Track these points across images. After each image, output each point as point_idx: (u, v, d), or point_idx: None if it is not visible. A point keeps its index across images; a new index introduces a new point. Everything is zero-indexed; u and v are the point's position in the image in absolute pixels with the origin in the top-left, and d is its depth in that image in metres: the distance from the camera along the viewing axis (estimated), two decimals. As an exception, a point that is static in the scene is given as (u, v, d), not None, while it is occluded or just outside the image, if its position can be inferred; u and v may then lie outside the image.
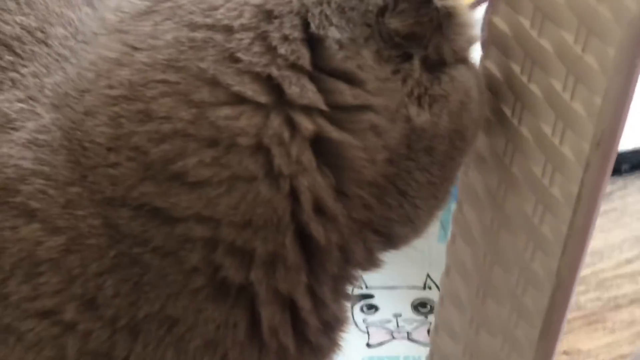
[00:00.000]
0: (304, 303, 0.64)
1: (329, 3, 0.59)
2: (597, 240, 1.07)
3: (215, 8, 0.60)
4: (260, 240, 0.60)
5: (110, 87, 0.61)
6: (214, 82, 0.59)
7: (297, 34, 0.59)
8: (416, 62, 0.61)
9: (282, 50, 0.59)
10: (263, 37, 0.59)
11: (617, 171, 1.14)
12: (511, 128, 0.67)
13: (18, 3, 0.68)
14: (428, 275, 1.06)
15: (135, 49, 0.61)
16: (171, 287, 0.61)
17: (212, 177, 0.59)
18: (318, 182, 0.60)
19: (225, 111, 0.59)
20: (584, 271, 1.03)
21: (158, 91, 0.59)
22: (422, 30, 0.60)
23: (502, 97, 0.68)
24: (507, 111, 0.67)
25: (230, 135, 0.59)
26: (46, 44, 0.67)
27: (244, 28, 0.59)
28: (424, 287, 1.05)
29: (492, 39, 0.67)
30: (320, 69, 0.59)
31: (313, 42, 0.59)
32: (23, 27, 0.67)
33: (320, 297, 0.64)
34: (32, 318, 0.61)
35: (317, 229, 0.61)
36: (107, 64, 0.62)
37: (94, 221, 0.61)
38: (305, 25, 0.59)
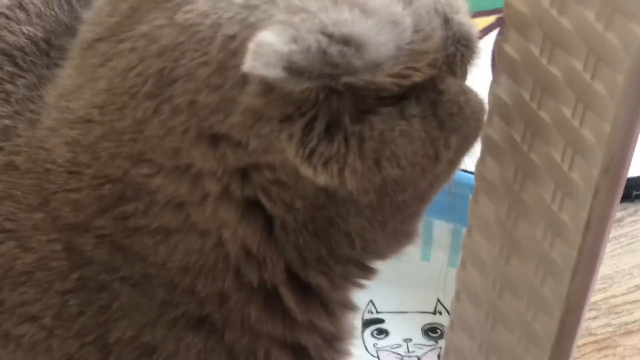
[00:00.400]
0: (274, 330, 0.65)
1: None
2: (607, 266, 1.06)
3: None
4: (202, 284, 0.63)
5: (68, 109, 0.63)
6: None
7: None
8: (298, 124, 0.57)
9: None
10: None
11: (627, 197, 1.14)
12: (521, 154, 0.67)
13: (28, 14, 0.69)
14: (438, 300, 1.06)
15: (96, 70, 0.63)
16: (146, 317, 0.64)
17: (146, 225, 0.62)
18: (240, 232, 0.61)
19: (144, 170, 0.61)
20: (595, 297, 1.03)
21: (98, 134, 0.62)
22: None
23: (512, 123, 0.68)
24: (517, 137, 0.68)
25: (149, 192, 0.61)
26: (48, 55, 0.68)
27: (148, 97, 0.60)
28: (435, 312, 1.05)
29: (502, 66, 0.68)
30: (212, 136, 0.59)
31: None
32: (28, 38, 0.68)
33: (298, 320, 0.66)
34: (25, 323, 0.64)
35: (249, 272, 0.63)
36: (69, 81, 0.64)
37: (55, 246, 0.63)
38: None
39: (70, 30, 0.67)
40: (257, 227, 0.62)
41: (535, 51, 0.64)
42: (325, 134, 0.57)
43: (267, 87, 0.56)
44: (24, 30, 0.68)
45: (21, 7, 0.69)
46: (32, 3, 0.69)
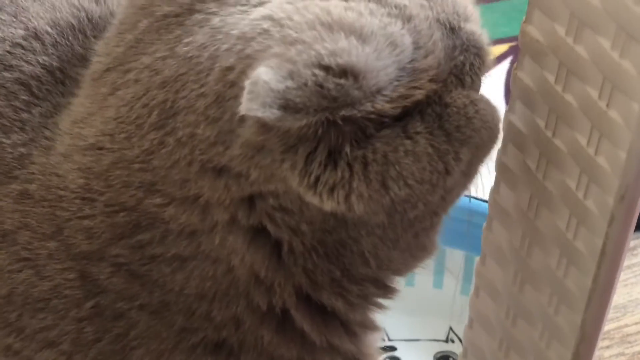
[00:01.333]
0: (289, 353, 0.66)
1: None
2: (620, 295, 1.06)
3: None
4: (217, 310, 0.63)
5: (80, 136, 0.64)
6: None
7: None
8: (300, 153, 0.57)
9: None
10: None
11: (640, 226, 1.14)
12: (536, 182, 0.67)
13: (44, 44, 0.69)
14: (451, 328, 1.05)
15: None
16: (164, 344, 0.64)
17: (162, 254, 0.62)
18: (248, 259, 0.62)
19: (157, 200, 0.61)
20: (608, 326, 1.03)
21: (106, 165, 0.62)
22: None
23: (526, 151, 0.68)
24: (532, 165, 0.67)
25: (163, 221, 0.61)
26: (63, 84, 0.68)
27: (153, 128, 0.61)
28: (447, 340, 1.05)
29: (517, 94, 0.68)
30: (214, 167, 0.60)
31: None
32: (44, 67, 0.69)
33: (316, 342, 0.66)
34: (45, 349, 0.65)
35: (258, 297, 0.63)
36: (81, 109, 0.65)
37: (69, 275, 0.64)
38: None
39: (84, 60, 0.68)
40: (264, 253, 0.62)
41: (551, 79, 0.64)
42: (328, 160, 0.57)
43: (265, 126, 0.56)
44: (40, 60, 0.69)
45: (37, 37, 0.69)
46: (48, 33, 0.70)
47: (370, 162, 0.58)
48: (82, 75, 0.67)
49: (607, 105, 0.59)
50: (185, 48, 0.59)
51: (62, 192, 0.64)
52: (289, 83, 0.53)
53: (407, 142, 0.58)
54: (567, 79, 0.63)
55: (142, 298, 0.63)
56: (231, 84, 0.57)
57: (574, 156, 0.63)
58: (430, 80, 0.59)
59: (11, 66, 0.68)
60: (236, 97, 0.56)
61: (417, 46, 0.58)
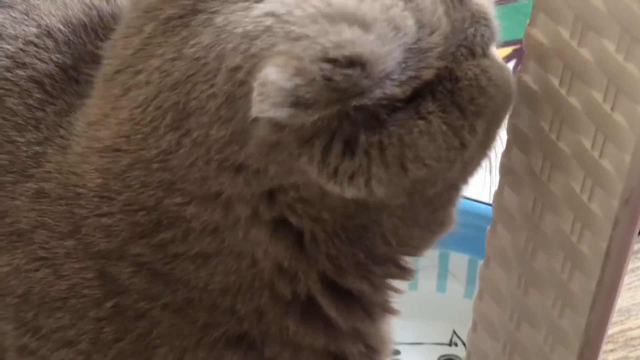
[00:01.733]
0: (316, 342, 0.66)
1: None
2: (624, 299, 1.06)
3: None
4: (241, 303, 0.63)
5: (96, 138, 0.64)
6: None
7: None
8: (317, 146, 0.57)
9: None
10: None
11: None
12: (540, 185, 0.67)
13: (56, 42, 0.69)
14: (454, 332, 1.05)
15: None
16: (187, 340, 0.64)
17: (186, 252, 0.62)
18: (272, 251, 0.62)
19: (177, 199, 0.61)
20: (611, 329, 1.03)
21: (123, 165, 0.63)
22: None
23: (530, 154, 0.68)
24: (536, 168, 0.67)
25: (184, 219, 0.61)
26: (77, 82, 0.68)
27: (169, 129, 0.61)
28: (450, 344, 1.05)
29: (521, 97, 0.68)
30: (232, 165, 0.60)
31: None
32: (57, 65, 0.69)
33: (342, 328, 0.66)
34: (62, 349, 0.65)
35: (282, 287, 0.63)
36: (96, 110, 0.65)
37: (87, 274, 0.64)
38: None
39: (96, 59, 0.68)
40: (287, 244, 0.62)
41: (555, 82, 0.64)
42: (345, 149, 0.58)
43: (278, 125, 0.56)
44: (53, 57, 0.69)
45: (49, 35, 0.69)
46: (60, 31, 0.69)
47: (386, 147, 0.58)
48: (94, 74, 0.67)
49: (612, 109, 0.59)
50: (192, 49, 0.59)
51: (80, 190, 0.64)
52: (298, 80, 0.53)
53: (421, 122, 0.59)
54: (572, 82, 0.63)
55: (166, 297, 0.63)
56: (240, 83, 0.57)
57: (578, 159, 0.63)
58: (438, 58, 0.59)
59: (24, 64, 0.68)
60: (246, 96, 0.56)
61: (420, 25, 0.58)
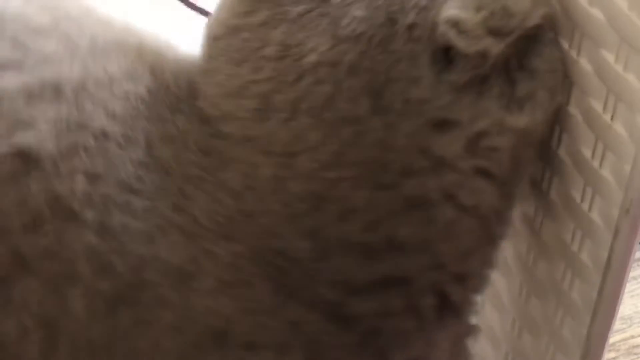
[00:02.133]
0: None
1: None
2: (626, 307, 1.06)
3: None
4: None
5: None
6: None
7: None
8: (491, 80, 0.60)
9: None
10: None
11: (646, 237, 1.14)
12: (540, 194, 0.68)
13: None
14: (457, 340, 1.05)
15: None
16: None
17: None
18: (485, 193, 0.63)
19: (413, 182, 0.61)
20: (614, 337, 1.03)
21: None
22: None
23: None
24: (536, 177, 0.68)
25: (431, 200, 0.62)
26: None
27: (373, 113, 0.60)
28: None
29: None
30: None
31: None
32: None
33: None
34: None
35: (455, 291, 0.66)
36: None
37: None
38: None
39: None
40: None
41: (555, 92, 0.64)
42: (510, 82, 0.61)
43: (477, 57, 0.59)
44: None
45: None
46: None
47: (540, 72, 0.62)
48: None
49: (612, 118, 0.59)
50: (348, 28, 0.59)
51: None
52: (483, 13, 0.57)
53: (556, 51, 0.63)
54: (571, 92, 0.63)
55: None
56: (417, 39, 0.59)
57: (578, 168, 0.63)
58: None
59: None
60: (426, 51, 0.59)
61: None
